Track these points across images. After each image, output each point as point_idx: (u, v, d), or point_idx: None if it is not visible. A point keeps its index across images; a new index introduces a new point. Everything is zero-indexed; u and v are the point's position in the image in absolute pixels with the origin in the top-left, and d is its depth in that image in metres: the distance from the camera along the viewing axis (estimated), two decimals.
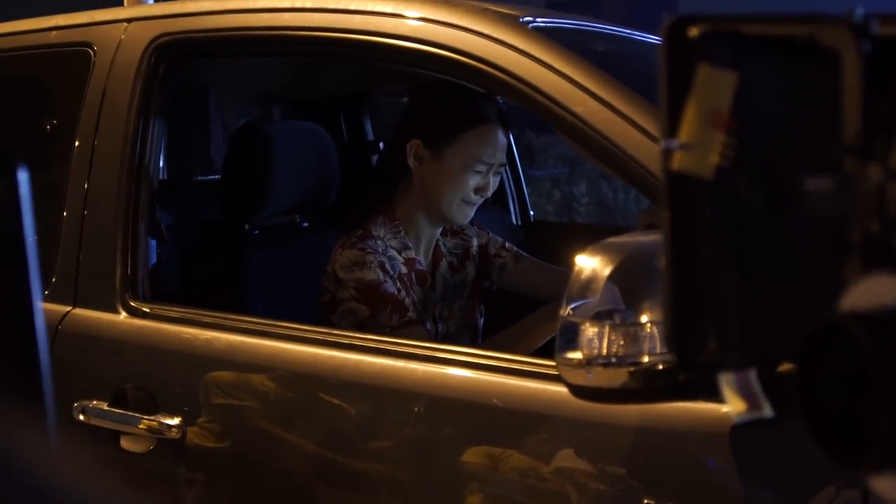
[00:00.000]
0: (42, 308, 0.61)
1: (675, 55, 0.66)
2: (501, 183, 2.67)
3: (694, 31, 0.65)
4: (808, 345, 0.53)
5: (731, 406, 0.73)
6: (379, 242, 1.87)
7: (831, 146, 0.61)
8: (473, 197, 1.90)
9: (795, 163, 0.63)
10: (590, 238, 2.17)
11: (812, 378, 0.53)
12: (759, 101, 0.65)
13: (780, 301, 0.64)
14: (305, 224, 2.25)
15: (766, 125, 0.65)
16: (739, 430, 1.25)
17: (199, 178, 3.02)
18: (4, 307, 0.60)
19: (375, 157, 2.83)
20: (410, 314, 1.81)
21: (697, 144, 0.65)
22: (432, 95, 1.97)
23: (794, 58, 0.65)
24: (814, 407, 0.53)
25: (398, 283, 1.85)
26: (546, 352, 1.62)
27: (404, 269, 1.90)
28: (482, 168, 1.89)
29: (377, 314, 1.79)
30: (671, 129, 0.66)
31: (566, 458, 1.37)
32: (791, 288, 0.63)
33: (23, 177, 0.60)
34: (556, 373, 1.34)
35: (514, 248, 2.17)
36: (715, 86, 0.64)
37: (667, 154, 0.66)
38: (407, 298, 1.85)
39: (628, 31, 2.00)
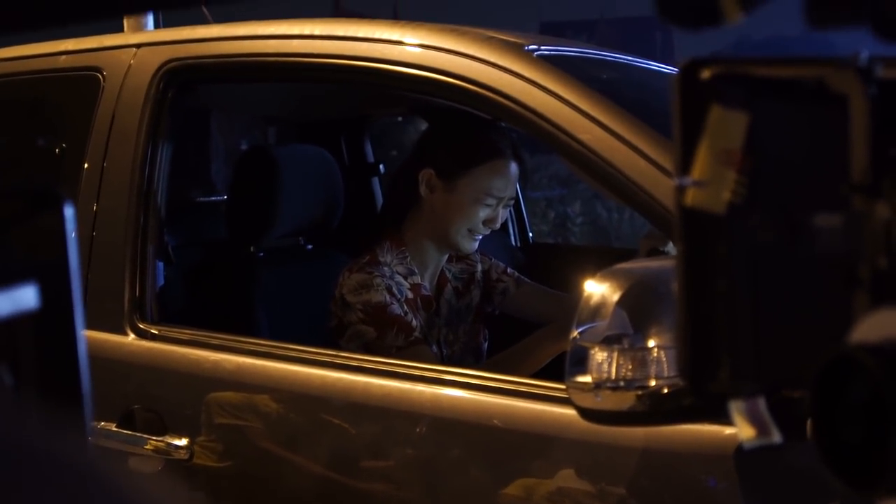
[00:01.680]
0: (85, 337, 0.63)
1: (688, 96, 0.69)
2: None
3: (706, 73, 0.68)
4: (821, 375, 0.56)
5: (741, 432, 0.75)
6: (385, 268, 1.90)
7: (840, 185, 0.64)
8: (482, 228, 1.93)
9: (806, 200, 0.66)
10: (589, 259, 2.21)
11: (826, 407, 0.56)
12: (770, 141, 0.68)
13: (792, 333, 0.66)
14: (309, 247, 2.27)
15: (777, 164, 0.68)
16: (742, 452, 1.27)
17: (201, 199, 3.04)
18: (51, 336, 0.63)
19: (376, 180, 2.86)
20: (417, 334, 1.83)
21: (710, 182, 0.68)
22: (447, 127, 2.00)
23: (803, 99, 0.68)
24: (828, 434, 0.56)
25: (405, 307, 1.87)
26: (548, 374, 1.65)
27: (410, 295, 1.92)
28: (492, 201, 1.92)
29: (384, 335, 1.81)
30: (684, 166, 0.69)
31: (571, 479, 1.40)
32: (802, 320, 0.66)
33: (69, 212, 0.62)
34: (561, 395, 1.37)
35: (516, 274, 2.20)
36: (727, 126, 0.67)
37: (680, 190, 0.69)
38: (414, 321, 1.87)
39: (631, 58, 2.04)
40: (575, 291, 1.94)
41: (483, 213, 1.92)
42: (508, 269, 2.20)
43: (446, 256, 2.05)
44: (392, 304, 1.84)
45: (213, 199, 2.88)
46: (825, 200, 0.65)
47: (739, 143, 0.67)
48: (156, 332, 1.75)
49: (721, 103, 0.67)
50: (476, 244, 1.97)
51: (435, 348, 1.95)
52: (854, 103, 0.64)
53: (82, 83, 1.94)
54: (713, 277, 0.67)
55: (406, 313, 1.86)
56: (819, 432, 0.56)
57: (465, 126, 1.94)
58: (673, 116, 0.69)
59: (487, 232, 1.97)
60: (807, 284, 0.66)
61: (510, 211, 2.83)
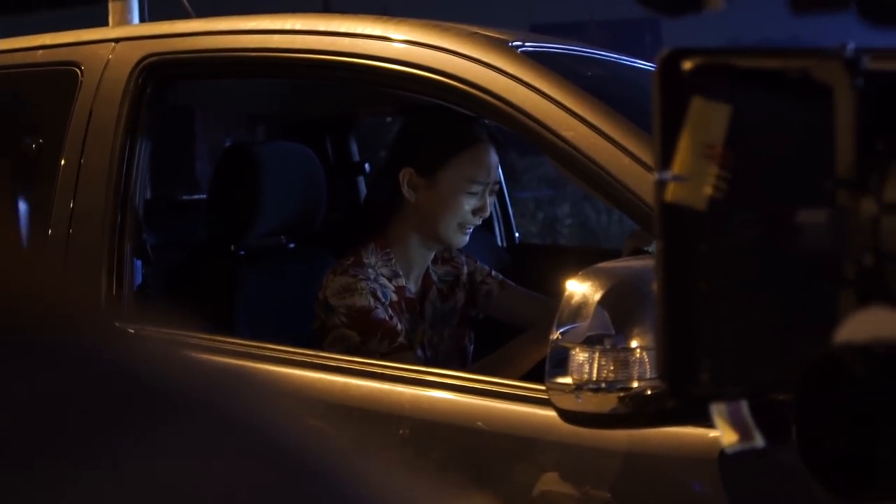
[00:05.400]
0: None
1: (668, 87, 0.67)
2: None
3: (688, 65, 0.66)
4: (805, 377, 0.53)
5: (723, 436, 0.73)
6: (370, 270, 1.87)
7: (825, 179, 0.62)
8: (472, 219, 1.91)
9: (790, 196, 0.64)
10: (575, 261, 2.19)
11: (810, 411, 0.53)
12: (753, 134, 0.65)
13: (775, 333, 0.64)
14: (291, 245, 2.25)
15: (760, 158, 0.65)
16: (726, 456, 1.25)
17: (184, 197, 3.02)
18: None
19: (361, 179, 2.83)
20: (401, 340, 1.80)
21: (691, 176, 0.65)
22: (420, 122, 1.98)
23: (787, 91, 0.65)
24: (811, 440, 0.53)
25: (389, 311, 1.85)
26: (533, 376, 1.62)
27: (394, 297, 1.90)
28: (477, 189, 1.89)
29: (367, 340, 1.78)
30: (664, 160, 0.67)
31: (553, 483, 1.37)
32: (786, 321, 0.64)
33: (21, 207, 0.60)
34: (544, 397, 1.34)
35: (500, 276, 2.17)
36: (709, 118, 0.65)
37: (660, 185, 0.66)
38: (399, 325, 1.84)
39: (616, 56, 2.02)
40: (561, 294, 1.92)
41: (469, 204, 1.89)
42: (493, 272, 2.18)
43: (432, 255, 2.02)
44: (376, 308, 1.81)
45: (196, 197, 2.85)
46: (809, 196, 0.63)
47: (721, 137, 0.64)
48: (132, 332, 1.72)
49: (703, 95, 0.65)
50: (467, 238, 1.94)
51: (420, 352, 1.92)
52: (840, 95, 0.62)
53: (60, 78, 1.91)
54: (693, 276, 0.65)
55: (391, 317, 1.83)
56: (802, 438, 0.54)
57: (437, 119, 1.91)
58: (653, 108, 0.66)
59: (479, 222, 1.94)
60: (790, 283, 0.63)
61: (496, 211, 2.81)
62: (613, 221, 8.19)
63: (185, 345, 1.67)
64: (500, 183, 2.02)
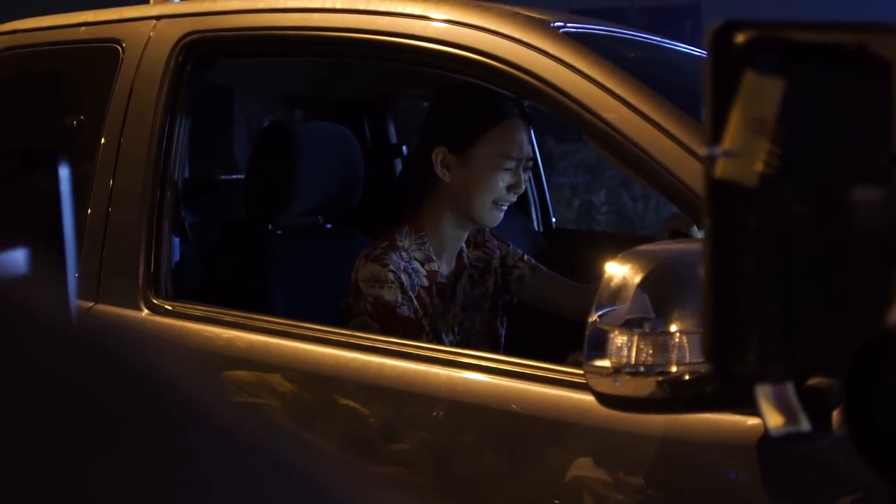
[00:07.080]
0: (76, 302, 0.60)
1: (721, 61, 0.65)
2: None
3: (741, 38, 0.64)
4: (857, 357, 0.52)
5: (768, 419, 0.71)
6: (403, 254, 1.86)
7: (880, 155, 0.60)
8: (507, 196, 1.89)
9: (842, 172, 0.63)
10: (612, 246, 2.17)
11: (860, 392, 0.52)
12: (806, 109, 0.64)
13: (825, 313, 0.62)
14: (328, 226, 2.25)
15: (812, 133, 0.64)
16: (765, 444, 1.23)
17: (222, 177, 3.03)
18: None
19: (398, 161, 2.83)
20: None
21: (742, 152, 0.64)
22: (450, 100, 1.97)
23: (842, 66, 0.64)
24: (860, 421, 0.52)
25: (415, 303, 1.84)
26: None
27: (426, 282, 1.89)
28: (511, 164, 1.88)
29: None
30: (715, 135, 0.65)
31: (588, 468, 1.36)
32: (836, 300, 0.62)
33: (63, 173, 0.59)
34: (579, 381, 1.33)
35: (532, 261, 2.16)
36: (761, 93, 0.63)
37: (710, 161, 0.65)
38: (424, 319, 1.84)
39: (658, 39, 1.99)
40: (595, 280, 1.89)
41: (504, 181, 1.88)
42: (525, 256, 2.16)
43: (465, 236, 2.01)
44: (402, 304, 1.80)
45: (234, 177, 2.87)
46: (863, 173, 0.61)
47: (773, 111, 0.63)
48: (170, 308, 1.73)
49: (755, 69, 0.63)
50: (501, 216, 1.93)
51: (448, 336, 1.92)
52: None
53: (101, 55, 1.92)
54: (742, 254, 0.63)
55: (416, 311, 1.82)
56: (851, 418, 0.52)
57: (467, 95, 1.90)
58: (704, 82, 0.65)
59: (514, 199, 1.93)
60: (841, 262, 0.62)
61: (533, 195, 2.79)
62: (650, 209, 8.12)
63: (220, 321, 1.68)
64: (533, 159, 2.00)
